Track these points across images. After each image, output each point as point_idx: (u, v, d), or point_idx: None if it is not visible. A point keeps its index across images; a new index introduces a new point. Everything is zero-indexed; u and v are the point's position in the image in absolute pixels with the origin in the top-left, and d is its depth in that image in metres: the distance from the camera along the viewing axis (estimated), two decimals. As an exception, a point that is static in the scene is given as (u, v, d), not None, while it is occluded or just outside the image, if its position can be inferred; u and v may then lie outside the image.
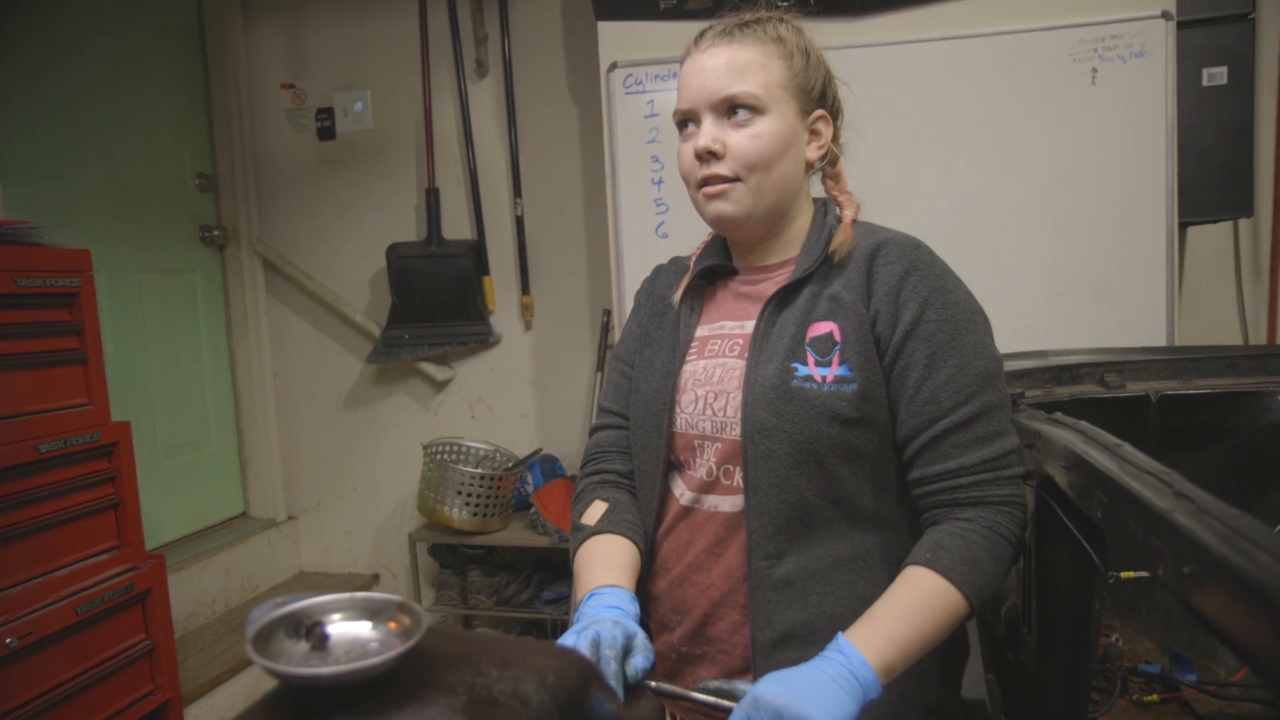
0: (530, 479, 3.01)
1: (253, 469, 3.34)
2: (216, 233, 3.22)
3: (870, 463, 1.03)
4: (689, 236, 2.51)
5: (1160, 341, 2.27)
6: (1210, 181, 2.30)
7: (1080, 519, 1.05)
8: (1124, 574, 1.33)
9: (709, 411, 1.08)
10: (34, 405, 2.00)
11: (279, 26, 3.27)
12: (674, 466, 1.13)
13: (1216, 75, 2.27)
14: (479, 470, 2.86)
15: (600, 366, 2.93)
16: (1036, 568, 1.17)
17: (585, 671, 0.76)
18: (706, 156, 1.05)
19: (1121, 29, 2.23)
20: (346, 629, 0.72)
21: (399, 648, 0.65)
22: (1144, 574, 1.24)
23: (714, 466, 1.07)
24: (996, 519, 0.99)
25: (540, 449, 3.08)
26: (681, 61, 1.12)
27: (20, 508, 1.93)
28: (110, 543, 2.20)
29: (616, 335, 2.55)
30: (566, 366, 3.14)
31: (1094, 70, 2.26)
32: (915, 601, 0.95)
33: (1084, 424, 1.06)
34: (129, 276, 2.88)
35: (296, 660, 0.67)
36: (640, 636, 0.93)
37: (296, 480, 3.42)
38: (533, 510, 2.87)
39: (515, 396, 3.20)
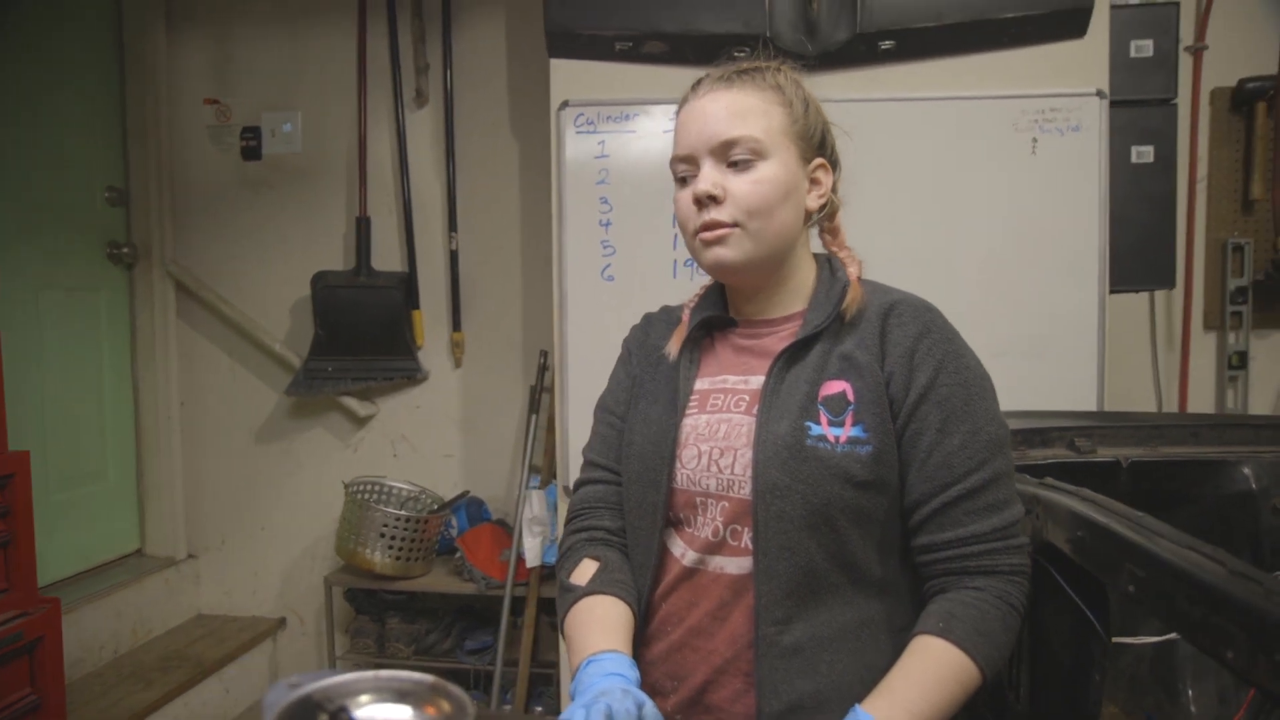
0: (455, 522, 2.90)
1: (151, 503, 3.11)
2: (125, 250, 3.02)
3: (878, 527, 1.01)
4: (635, 279, 2.46)
5: (1091, 403, 2.35)
6: (1137, 253, 2.41)
7: (1082, 587, 1.05)
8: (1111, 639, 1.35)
9: (714, 468, 1.04)
10: (-78, 433, 1.82)
11: (205, 39, 3.12)
12: (671, 524, 1.08)
13: (1144, 153, 2.39)
14: (403, 512, 2.74)
15: (534, 409, 2.85)
16: (1028, 633, 1.16)
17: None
18: (706, 201, 1.03)
19: (1060, 103, 2.33)
20: (376, 714, 0.64)
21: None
22: (1131, 640, 1.25)
23: (720, 526, 1.03)
24: (1007, 589, 0.98)
25: (467, 491, 2.97)
26: (678, 109, 1.10)
27: (-100, 546, 1.74)
28: (-2, 585, 2.01)
29: (556, 377, 2.48)
30: (496, 407, 3.05)
31: (1035, 140, 2.34)
32: (931, 673, 0.92)
33: (1086, 490, 1.06)
34: (25, 293, 2.66)
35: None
36: (649, 705, 0.88)
37: (200, 516, 3.20)
38: (458, 555, 2.76)
39: (441, 436, 3.09)
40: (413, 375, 3.03)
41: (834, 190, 1.13)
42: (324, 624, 2.96)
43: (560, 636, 1.15)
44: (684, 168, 1.07)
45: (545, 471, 2.81)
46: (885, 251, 2.37)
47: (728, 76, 1.07)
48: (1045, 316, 2.35)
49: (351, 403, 3.05)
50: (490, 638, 2.76)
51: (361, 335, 2.97)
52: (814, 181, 1.09)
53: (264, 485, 3.17)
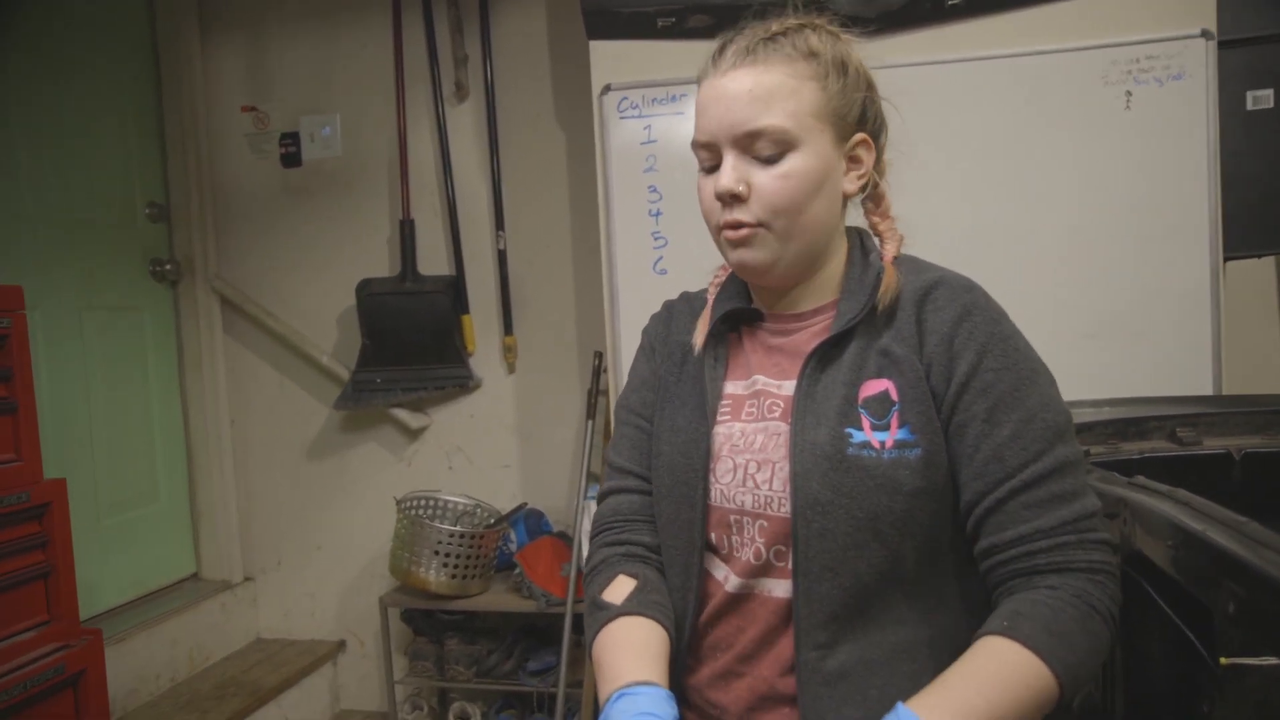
0: (514, 536, 2.77)
1: (206, 526, 3.05)
2: (169, 267, 2.96)
3: (933, 535, 0.89)
4: (688, 272, 2.26)
5: (1206, 387, 2.10)
6: (1256, 213, 2.15)
7: (1180, 603, 0.87)
8: (1222, 660, 1.15)
9: (750, 484, 0.93)
10: (-52, 464, 1.75)
11: (240, 45, 3.05)
12: (709, 545, 0.97)
13: (1262, 98, 2.12)
14: (457, 528, 2.61)
15: (591, 414, 2.70)
16: (1123, 655, 0.99)
17: None
18: (729, 200, 0.91)
19: (1158, 49, 2.08)
20: None
21: None
22: (1254, 660, 1.04)
23: (762, 548, 0.92)
24: (1085, 587, 0.82)
25: (525, 503, 2.83)
26: (699, 82, 0.96)
27: (-68, 580, 1.69)
28: (39, 617, 1.96)
29: (610, 379, 2.33)
30: (553, 413, 2.91)
31: (1128, 93, 2.10)
32: (994, 673, 0.78)
33: (1182, 492, 0.90)
34: (69, 315, 2.61)
35: None
36: None
37: (254, 538, 3.13)
38: (517, 571, 2.62)
39: (497, 445, 2.96)
40: (464, 383, 2.91)
41: (878, 161, 0.99)
42: (383, 647, 2.86)
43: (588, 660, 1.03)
44: (706, 155, 0.95)
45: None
46: (956, 229, 2.17)
47: (752, 47, 0.93)
48: (1145, 290, 2.11)
49: (403, 415, 2.94)
50: (554, 657, 2.62)
51: (410, 343, 2.86)
52: (853, 160, 0.95)
53: (318, 503, 3.08)
